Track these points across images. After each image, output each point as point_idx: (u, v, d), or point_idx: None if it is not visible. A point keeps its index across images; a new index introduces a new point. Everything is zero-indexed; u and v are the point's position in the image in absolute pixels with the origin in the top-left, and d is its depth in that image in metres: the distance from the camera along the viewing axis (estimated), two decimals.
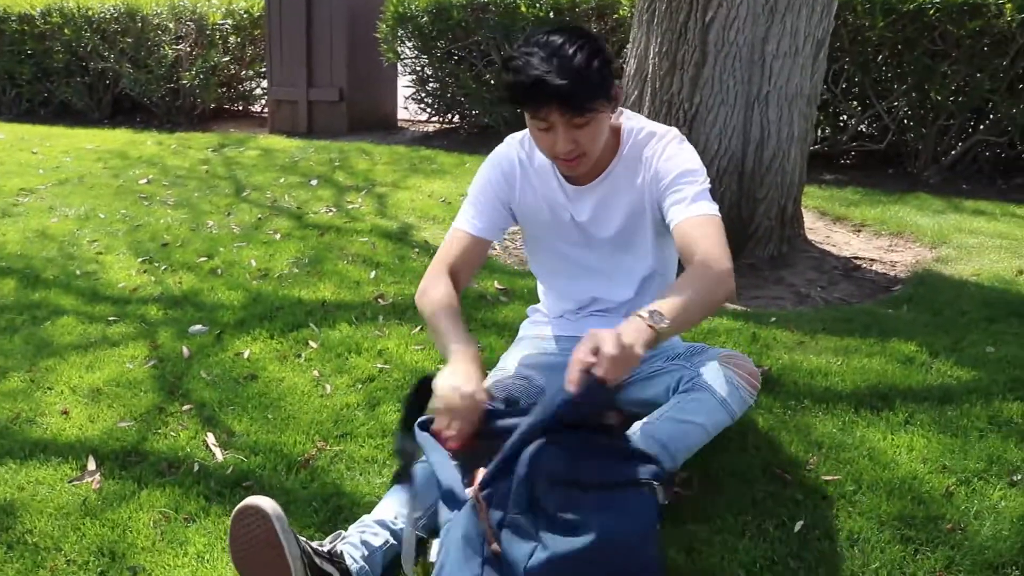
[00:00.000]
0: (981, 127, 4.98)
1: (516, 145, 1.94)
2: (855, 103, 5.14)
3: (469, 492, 1.44)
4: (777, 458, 1.93)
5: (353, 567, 1.53)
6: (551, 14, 5.64)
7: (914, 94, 4.83)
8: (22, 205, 4.46)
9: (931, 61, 4.66)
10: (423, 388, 1.64)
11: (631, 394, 1.93)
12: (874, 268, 3.43)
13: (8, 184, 4.95)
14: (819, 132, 5.27)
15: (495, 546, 1.39)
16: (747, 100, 3.20)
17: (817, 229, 3.95)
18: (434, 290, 1.83)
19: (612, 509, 1.41)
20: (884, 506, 1.75)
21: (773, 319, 2.78)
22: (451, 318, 1.76)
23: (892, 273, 3.38)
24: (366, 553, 1.56)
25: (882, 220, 4.00)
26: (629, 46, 3.48)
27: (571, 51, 1.62)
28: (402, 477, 1.65)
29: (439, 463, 1.52)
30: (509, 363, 1.99)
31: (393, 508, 1.67)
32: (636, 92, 3.39)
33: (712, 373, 1.76)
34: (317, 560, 1.48)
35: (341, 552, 1.53)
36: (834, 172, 5.18)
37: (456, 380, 1.58)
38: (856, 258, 3.54)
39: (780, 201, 3.38)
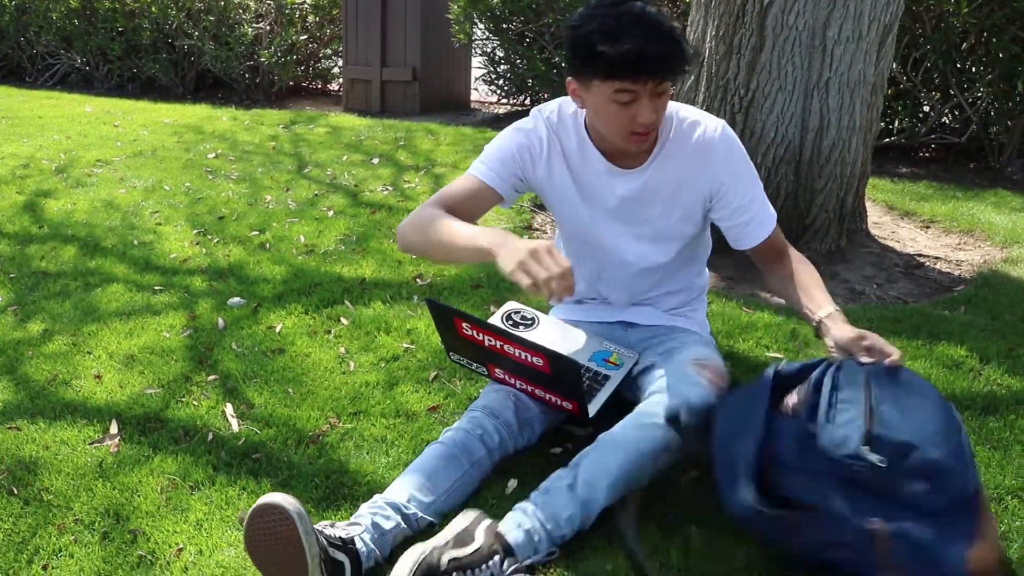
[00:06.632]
0: None
1: (544, 122, 1.87)
2: (936, 93, 4.89)
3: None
4: None
5: (363, 550, 1.52)
6: None
7: (1000, 84, 4.57)
8: (96, 176, 4.61)
9: (1020, 49, 4.40)
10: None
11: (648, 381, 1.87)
12: (937, 267, 3.26)
13: (87, 155, 5.13)
14: (896, 123, 5.05)
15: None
16: (806, 87, 3.06)
17: (883, 224, 3.78)
18: (425, 211, 1.75)
19: None
20: None
21: None
22: (460, 221, 1.71)
23: (956, 273, 3.21)
24: (376, 536, 1.56)
25: (953, 217, 3.79)
26: (688, 28, 3.38)
27: (657, 17, 1.62)
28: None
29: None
30: None
31: (407, 490, 1.66)
32: (692, 76, 3.29)
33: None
34: (331, 551, 1.47)
35: (353, 538, 1.52)
36: (911, 165, 4.95)
37: (525, 242, 1.51)
38: (920, 255, 3.37)
39: (839, 193, 3.23)
